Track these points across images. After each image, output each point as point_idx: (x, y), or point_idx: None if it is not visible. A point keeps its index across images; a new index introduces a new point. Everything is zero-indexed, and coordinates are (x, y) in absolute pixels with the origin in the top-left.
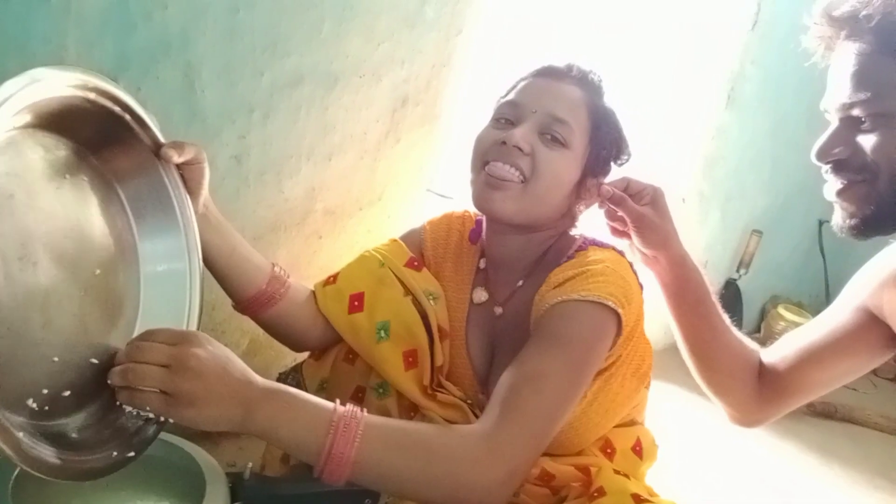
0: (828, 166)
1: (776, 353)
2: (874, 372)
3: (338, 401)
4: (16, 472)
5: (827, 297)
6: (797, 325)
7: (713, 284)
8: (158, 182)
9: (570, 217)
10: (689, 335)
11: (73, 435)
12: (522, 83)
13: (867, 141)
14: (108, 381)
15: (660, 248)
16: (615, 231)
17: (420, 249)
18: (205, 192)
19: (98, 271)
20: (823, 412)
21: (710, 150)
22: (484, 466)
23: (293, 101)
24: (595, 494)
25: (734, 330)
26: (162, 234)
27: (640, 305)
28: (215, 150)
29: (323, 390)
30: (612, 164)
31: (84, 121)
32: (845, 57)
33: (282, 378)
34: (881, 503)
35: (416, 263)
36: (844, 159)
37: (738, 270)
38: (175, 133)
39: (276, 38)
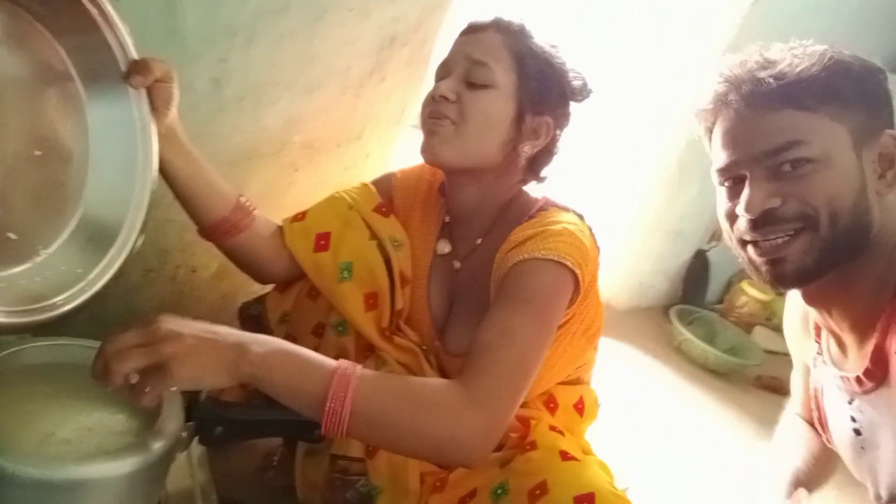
0: (748, 227)
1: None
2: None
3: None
4: None
5: None
6: (758, 301)
7: (683, 254)
8: (122, 95)
9: (515, 157)
10: None
11: None
12: (452, 45)
13: (799, 187)
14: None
15: None
16: None
17: (390, 196)
18: (172, 112)
19: (38, 153)
20: (770, 385)
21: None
22: (466, 419)
23: (278, 28)
24: (527, 447)
25: None
26: (117, 140)
27: (595, 267)
28: (194, 73)
29: (284, 323)
30: (562, 100)
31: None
32: (753, 113)
33: (245, 307)
34: None
35: (384, 209)
36: (777, 208)
37: (709, 242)
38: (152, 53)
39: None
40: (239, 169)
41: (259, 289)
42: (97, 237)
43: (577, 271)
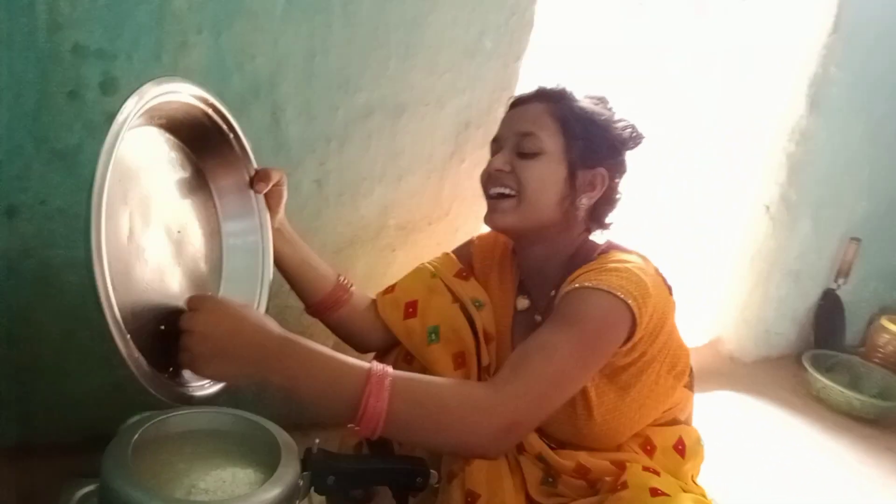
0: None
1: None
2: None
3: (373, 363)
4: (135, 437)
5: None
6: None
7: (809, 295)
8: (246, 197)
9: (574, 210)
10: None
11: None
12: (502, 121)
13: None
14: None
15: None
16: None
17: (469, 261)
18: (281, 211)
19: (192, 250)
20: None
21: (795, 157)
22: (487, 418)
23: (365, 130)
24: (619, 488)
25: None
26: (243, 235)
27: (664, 306)
28: (299, 177)
29: None
30: (613, 151)
31: (199, 131)
32: None
33: None
34: None
35: (464, 274)
36: None
37: (836, 280)
38: (264, 162)
39: (349, 76)
40: (343, 255)
41: (370, 359)
42: None
43: (632, 303)
